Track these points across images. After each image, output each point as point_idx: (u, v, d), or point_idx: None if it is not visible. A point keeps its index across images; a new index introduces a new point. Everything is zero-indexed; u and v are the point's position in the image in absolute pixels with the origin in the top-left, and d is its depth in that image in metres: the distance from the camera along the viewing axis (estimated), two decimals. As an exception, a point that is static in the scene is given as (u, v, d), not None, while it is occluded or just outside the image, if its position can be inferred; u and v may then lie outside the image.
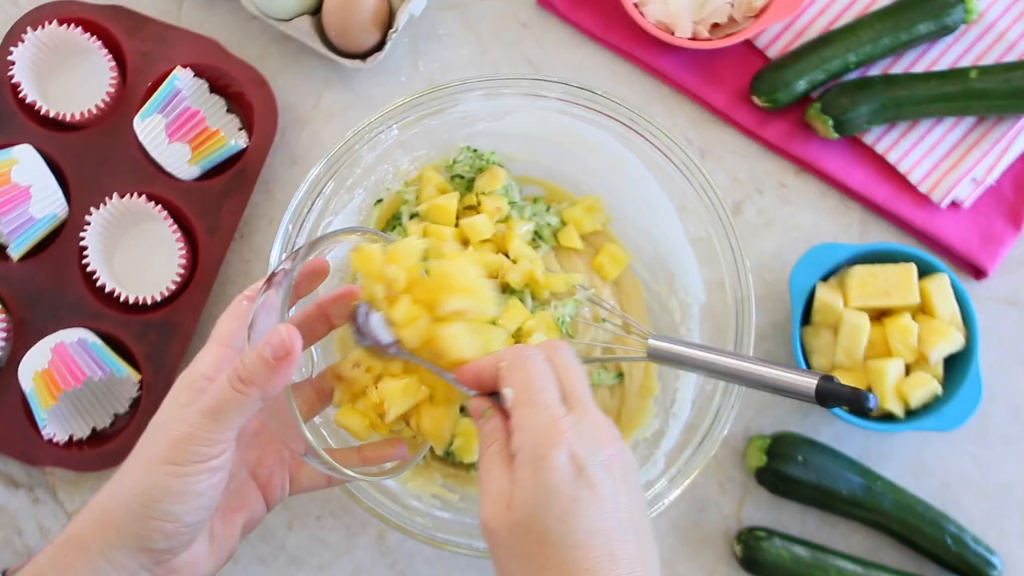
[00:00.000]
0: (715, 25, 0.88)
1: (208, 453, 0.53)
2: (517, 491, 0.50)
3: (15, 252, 0.85)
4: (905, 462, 0.86)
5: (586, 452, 0.51)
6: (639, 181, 0.82)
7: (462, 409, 0.69)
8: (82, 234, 0.83)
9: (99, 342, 0.83)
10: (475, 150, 0.83)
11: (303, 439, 0.54)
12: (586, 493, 0.50)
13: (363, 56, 0.88)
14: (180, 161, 0.84)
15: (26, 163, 0.84)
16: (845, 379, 0.76)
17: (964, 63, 0.89)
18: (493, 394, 0.57)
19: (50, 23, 0.86)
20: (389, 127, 0.79)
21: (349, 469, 0.59)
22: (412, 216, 0.84)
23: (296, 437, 0.55)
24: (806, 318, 0.83)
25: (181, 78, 0.84)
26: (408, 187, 0.84)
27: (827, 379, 0.65)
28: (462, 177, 0.84)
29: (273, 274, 0.56)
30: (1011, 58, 0.89)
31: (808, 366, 0.82)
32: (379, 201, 0.84)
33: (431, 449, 0.82)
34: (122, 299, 0.83)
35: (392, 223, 0.84)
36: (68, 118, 0.86)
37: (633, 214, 0.85)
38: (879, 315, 0.82)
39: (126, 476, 0.55)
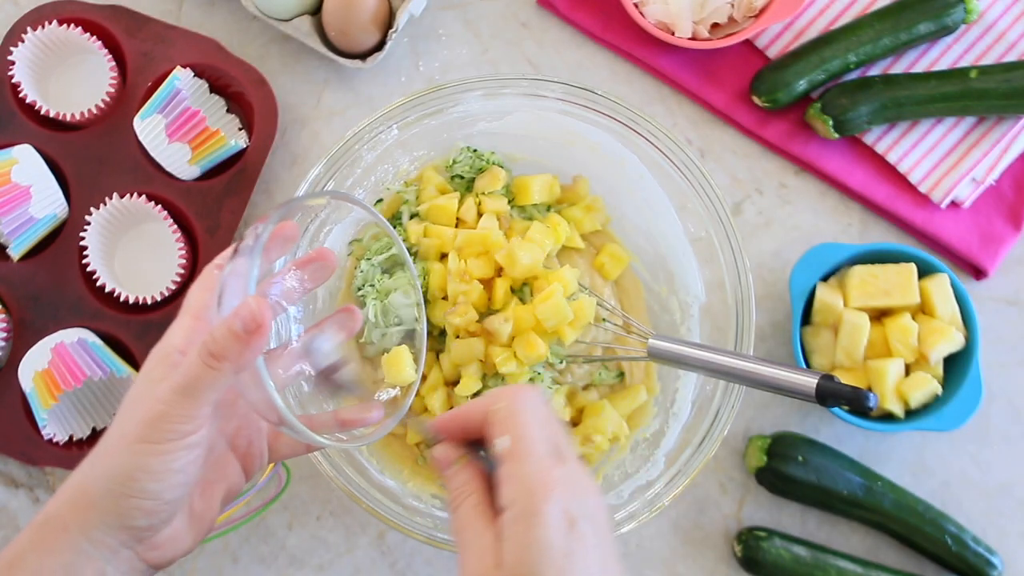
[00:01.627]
0: (715, 25, 0.88)
1: (184, 430, 0.52)
2: (508, 548, 0.49)
3: (15, 252, 0.85)
4: (905, 462, 0.86)
5: (576, 506, 0.50)
6: (639, 181, 0.82)
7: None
8: (82, 234, 0.83)
9: (99, 342, 0.83)
10: (475, 150, 0.83)
11: (276, 410, 0.53)
12: (578, 547, 0.49)
13: (363, 56, 0.88)
14: (180, 161, 0.84)
15: (26, 163, 0.84)
16: (845, 379, 0.76)
17: (964, 63, 0.89)
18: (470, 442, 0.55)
19: (50, 23, 0.86)
20: (389, 127, 0.79)
21: (325, 437, 0.58)
22: (412, 216, 0.84)
23: (270, 408, 0.53)
24: (806, 318, 0.83)
25: (181, 78, 0.84)
26: (408, 187, 0.84)
27: (827, 378, 0.65)
28: (462, 177, 0.84)
29: (240, 240, 0.54)
30: (1011, 58, 0.89)
31: (808, 366, 0.82)
32: (379, 201, 0.84)
33: (430, 448, 0.82)
34: (122, 299, 0.83)
35: (392, 222, 0.84)
36: (68, 118, 0.86)
37: (633, 214, 0.85)
38: (879, 315, 0.82)
39: (103, 455, 0.54)
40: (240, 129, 0.89)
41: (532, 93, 0.80)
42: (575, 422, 0.81)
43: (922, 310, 0.81)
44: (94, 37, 0.86)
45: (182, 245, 0.84)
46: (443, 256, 0.81)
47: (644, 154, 0.80)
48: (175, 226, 0.84)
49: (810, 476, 0.81)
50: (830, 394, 0.65)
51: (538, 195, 0.83)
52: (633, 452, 0.81)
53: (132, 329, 0.84)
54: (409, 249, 0.83)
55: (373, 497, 0.75)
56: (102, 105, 0.86)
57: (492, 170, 0.83)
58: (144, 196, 0.84)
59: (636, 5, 0.88)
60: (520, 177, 0.84)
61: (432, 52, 0.92)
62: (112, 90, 0.86)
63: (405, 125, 0.80)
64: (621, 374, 0.84)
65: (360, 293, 0.81)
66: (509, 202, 0.83)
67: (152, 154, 0.85)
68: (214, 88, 0.89)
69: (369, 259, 0.82)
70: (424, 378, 0.80)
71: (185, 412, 0.52)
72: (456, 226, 0.82)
